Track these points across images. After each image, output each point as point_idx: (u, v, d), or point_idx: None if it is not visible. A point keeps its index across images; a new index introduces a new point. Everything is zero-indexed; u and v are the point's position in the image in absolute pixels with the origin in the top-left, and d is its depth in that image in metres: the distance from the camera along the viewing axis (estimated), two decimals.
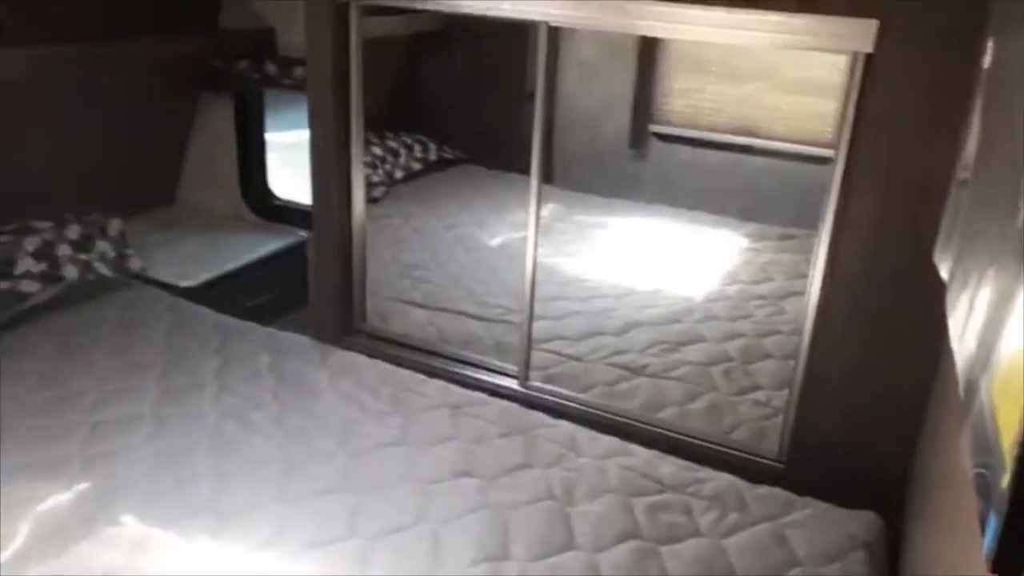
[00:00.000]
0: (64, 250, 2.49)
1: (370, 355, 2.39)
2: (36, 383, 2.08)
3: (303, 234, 3.19)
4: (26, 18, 2.29)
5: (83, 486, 1.72)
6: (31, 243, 2.44)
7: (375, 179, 3.46)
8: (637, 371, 2.40)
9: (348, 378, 2.23)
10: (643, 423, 2.20)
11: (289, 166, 3.47)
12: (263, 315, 2.73)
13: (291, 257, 3.16)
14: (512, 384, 2.36)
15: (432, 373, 2.34)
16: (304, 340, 2.42)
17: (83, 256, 2.53)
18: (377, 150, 3.57)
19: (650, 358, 2.46)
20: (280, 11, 2.99)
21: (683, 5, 1.82)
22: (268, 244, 3.11)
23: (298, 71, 2.91)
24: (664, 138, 3.75)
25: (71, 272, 2.47)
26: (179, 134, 3.31)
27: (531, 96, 2.19)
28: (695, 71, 3.65)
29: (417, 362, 2.44)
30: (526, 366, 2.34)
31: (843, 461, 1.98)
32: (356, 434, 1.99)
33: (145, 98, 3.07)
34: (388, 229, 3.28)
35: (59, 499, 1.68)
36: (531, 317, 2.31)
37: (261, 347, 2.35)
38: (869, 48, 1.70)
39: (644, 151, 3.83)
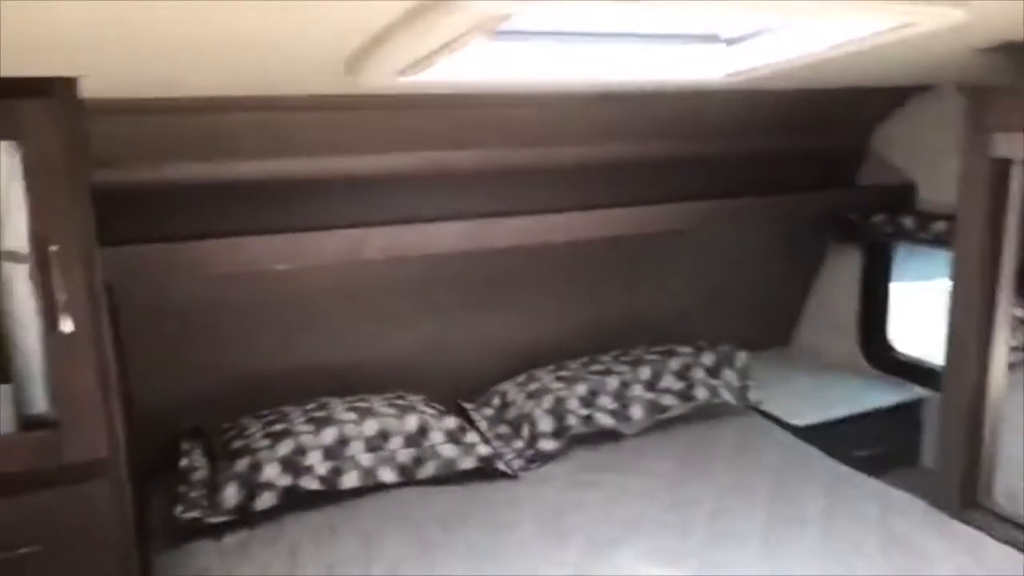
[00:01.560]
0: (698, 374, 2.86)
1: (993, 536, 2.14)
2: (665, 484, 2.41)
3: (920, 391, 3.06)
4: (703, 179, 2.77)
5: None
6: (674, 364, 2.86)
7: (1011, 343, 3.12)
8: None
9: (965, 555, 2.04)
10: None
11: (903, 316, 3.40)
12: (867, 467, 2.67)
13: (903, 413, 3.05)
14: None
15: None
16: (917, 503, 2.29)
17: (713, 381, 2.86)
18: (1017, 311, 3.23)
19: None
20: (922, 167, 3.01)
21: None
22: (881, 396, 3.05)
23: (937, 226, 2.86)
24: None
25: (701, 393, 2.81)
26: (804, 280, 3.53)
27: None
28: None
29: None
30: None
31: None
32: None
33: (779, 245, 3.37)
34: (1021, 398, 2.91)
35: None
36: None
37: (869, 499, 2.30)
38: None
39: None
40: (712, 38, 2.00)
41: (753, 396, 2.91)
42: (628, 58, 1.90)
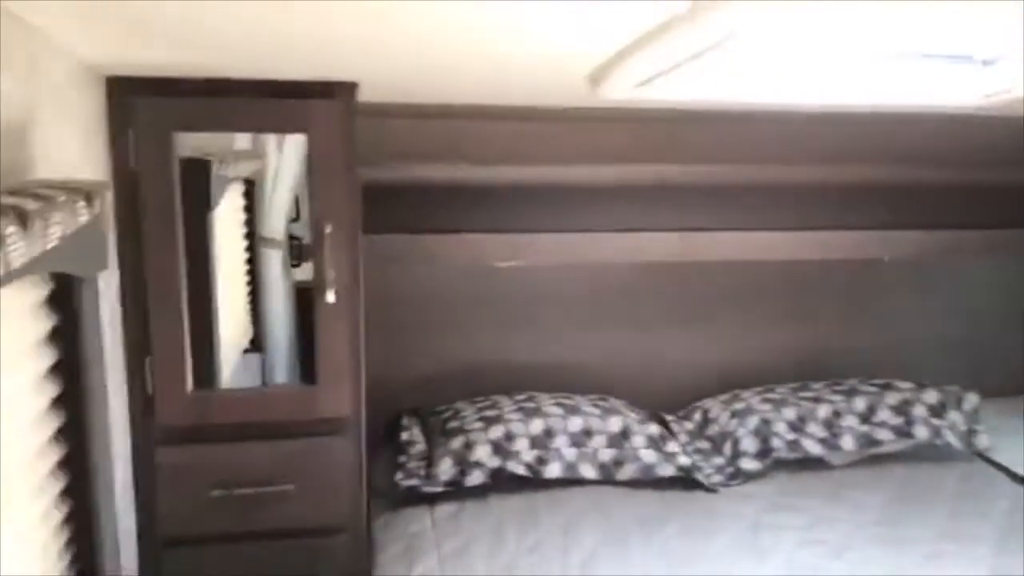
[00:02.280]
0: (919, 411, 2.69)
1: None
2: (875, 518, 2.30)
3: None
4: (942, 208, 2.63)
5: None
6: (892, 398, 2.72)
7: None
8: None
9: None
10: None
11: None
12: None
13: None
14: None
15: None
16: None
17: (935, 421, 2.68)
18: None
19: None
20: None
21: None
22: None
23: None
24: None
25: (921, 432, 2.65)
26: None
27: None
28: None
29: None
30: None
31: None
32: None
33: (1017, 285, 3.10)
34: None
35: None
36: None
37: None
38: None
39: None
40: (966, 59, 1.91)
41: (982, 442, 2.70)
42: (873, 78, 1.86)
